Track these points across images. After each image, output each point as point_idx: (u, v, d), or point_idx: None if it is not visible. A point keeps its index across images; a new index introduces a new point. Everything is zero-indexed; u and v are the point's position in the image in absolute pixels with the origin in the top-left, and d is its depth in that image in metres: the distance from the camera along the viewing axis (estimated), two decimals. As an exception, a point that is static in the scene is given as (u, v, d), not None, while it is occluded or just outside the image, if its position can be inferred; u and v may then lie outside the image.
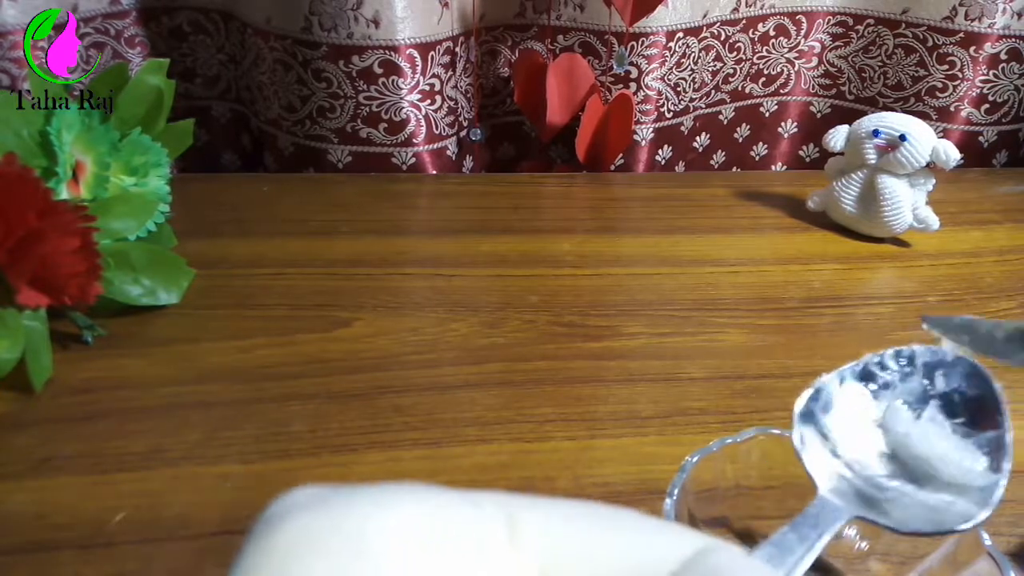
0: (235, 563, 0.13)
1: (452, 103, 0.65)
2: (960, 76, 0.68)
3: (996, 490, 0.22)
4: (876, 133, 0.53)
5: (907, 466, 0.24)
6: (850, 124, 0.55)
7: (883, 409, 0.25)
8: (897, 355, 0.25)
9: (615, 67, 0.65)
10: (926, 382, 0.25)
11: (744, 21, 0.69)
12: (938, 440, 0.24)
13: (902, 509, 0.22)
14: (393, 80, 0.60)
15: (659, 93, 0.67)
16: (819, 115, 0.76)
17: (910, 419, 0.25)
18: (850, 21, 0.71)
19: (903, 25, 0.69)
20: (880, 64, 0.71)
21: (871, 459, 0.24)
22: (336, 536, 0.13)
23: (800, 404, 0.24)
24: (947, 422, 0.24)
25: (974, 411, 0.24)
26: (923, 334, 0.26)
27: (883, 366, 0.25)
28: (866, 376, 0.25)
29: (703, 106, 0.72)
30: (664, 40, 0.64)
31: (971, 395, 0.24)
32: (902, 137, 0.52)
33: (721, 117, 0.74)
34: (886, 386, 0.25)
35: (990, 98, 0.70)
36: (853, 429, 0.25)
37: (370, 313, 0.45)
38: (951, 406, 0.24)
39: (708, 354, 0.43)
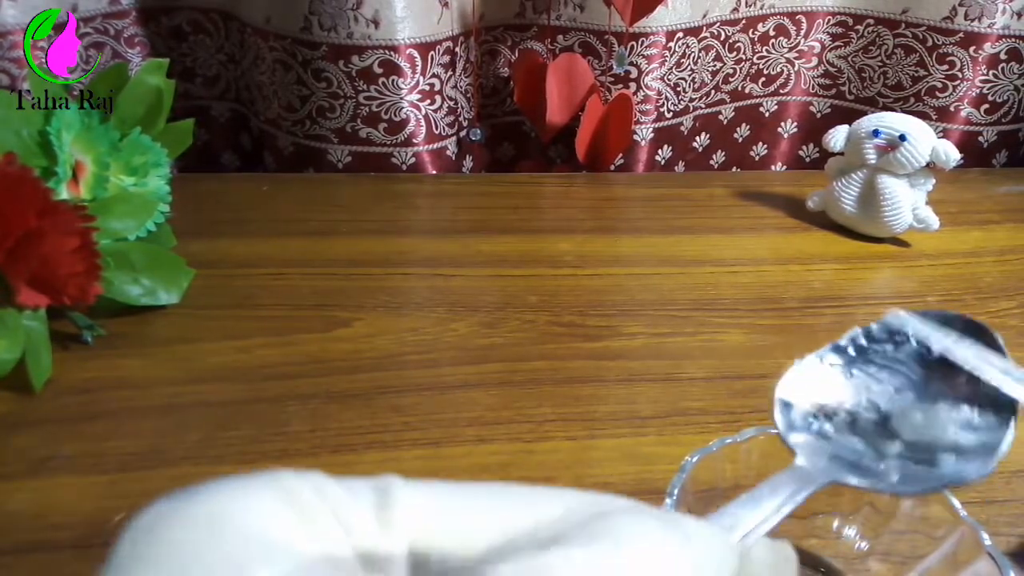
0: None
1: (452, 103, 0.65)
2: (960, 76, 0.68)
3: (1001, 444, 0.22)
4: (876, 133, 0.53)
5: (904, 435, 0.23)
6: (850, 124, 0.55)
7: (874, 380, 0.25)
8: (886, 326, 0.25)
9: (615, 67, 0.65)
10: (922, 347, 0.24)
11: (744, 21, 0.69)
12: (929, 410, 0.23)
13: (894, 472, 0.22)
14: (393, 80, 0.60)
15: (659, 93, 0.67)
16: (819, 115, 0.76)
17: (898, 391, 0.24)
18: (850, 21, 0.71)
19: (903, 25, 0.69)
20: (880, 64, 0.71)
21: (861, 429, 0.24)
22: (195, 519, 0.13)
23: (785, 379, 0.24)
24: (949, 382, 0.24)
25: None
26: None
27: (873, 337, 0.25)
28: (857, 348, 0.25)
29: (703, 106, 0.72)
30: (664, 40, 0.64)
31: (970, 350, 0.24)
32: (902, 137, 0.52)
33: (721, 117, 0.74)
34: (878, 355, 0.25)
35: (990, 98, 0.70)
36: (842, 401, 0.24)
37: (370, 313, 0.45)
38: (950, 364, 0.24)
39: (708, 354, 0.43)
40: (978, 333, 0.24)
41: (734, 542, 0.17)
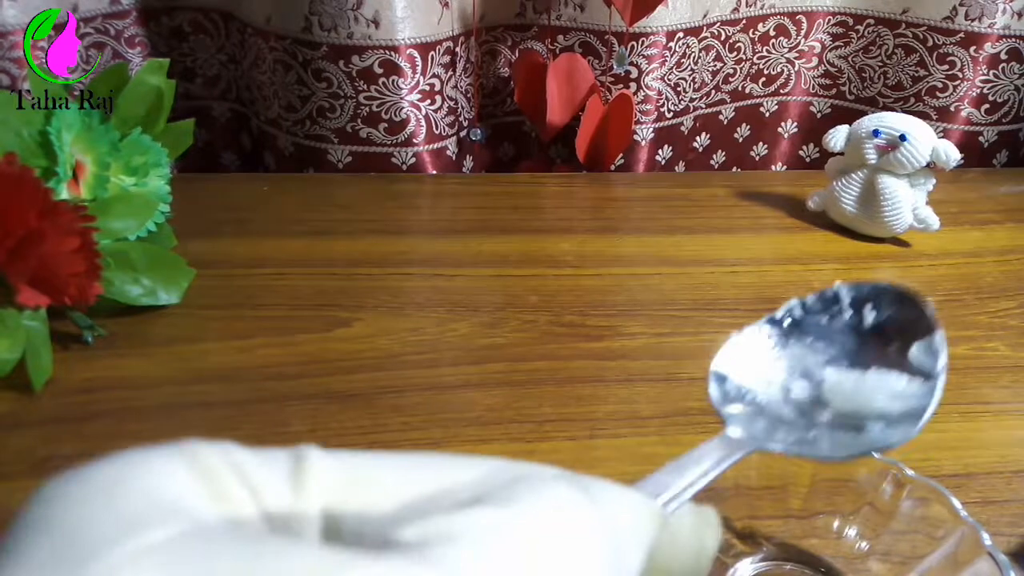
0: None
1: (452, 103, 0.65)
2: (960, 76, 0.68)
3: (926, 411, 0.22)
4: (876, 133, 0.53)
5: (834, 404, 0.24)
6: (850, 124, 0.55)
7: (808, 350, 0.25)
8: (821, 296, 0.25)
9: (615, 67, 0.65)
10: (855, 317, 0.24)
11: (744, 21, 0.69)
12: (859, 379, 0.24)
13: (823, 441, 0.22)
14: (393, 80, 0.60)
15: (659, 93, 0.67)
16: (819, 115, 0.76)
17: (830, 361, 0.24)
18: (850, 21, 0.71)
19: (903, 25, 0.69)
20: (880, 64, 0.71)
21: (794, 399, 0.24)
22: (94, 484, 0.13)
23: (721, 352, 0.25)
24: (882, 351, 0.24)
25: (907, 335, 0.24)
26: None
27: (807, 308, 0.25)
28: (793, 321, 0.25)
29: (703, 106, 0.72)
30: (664, 40, 0.64)
31: (903, 319, 0.24)
32: (902, 137, 0.52)
33: (721, 117, 0.74)
34: (813, 327, 0.25)
35: (990, 98, 0.70)
36: (776, 372, 0.25)
37: (370, 313, 0.45)
38: (883, 335, 0.24)
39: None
40: (907, 305, 0.24)
41: (656, 507, 0.17)
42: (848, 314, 0.25)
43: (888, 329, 0.24)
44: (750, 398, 0.24)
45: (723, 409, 0.23)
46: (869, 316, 0.24)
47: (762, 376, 0.24)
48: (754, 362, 0.25)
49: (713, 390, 0.24)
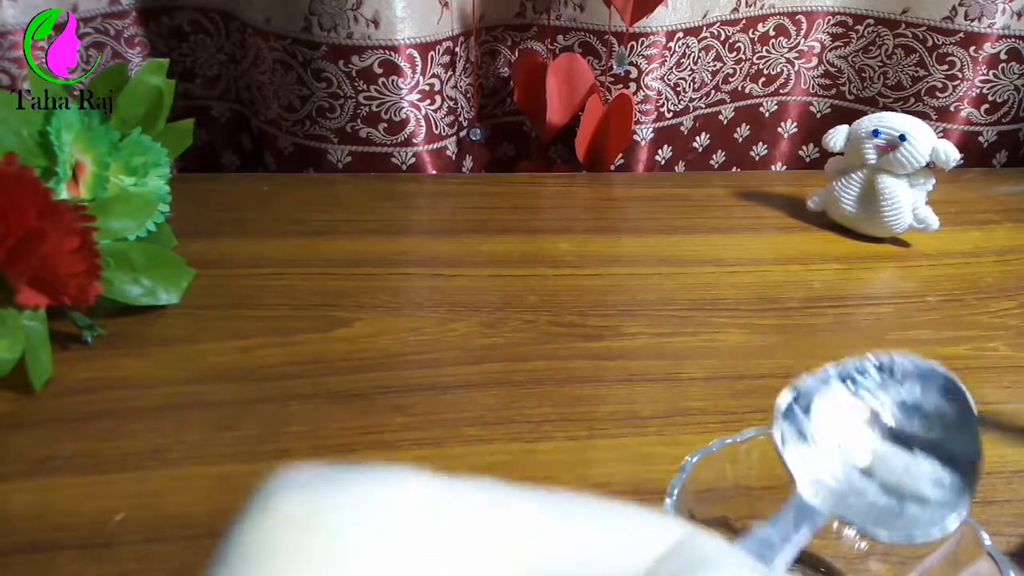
0: (227, 538, 0.13)
1: (452, 103, 0.65)
2: (960, 76, 0.68)
3: (962, 508, 0.23)
4: (876, 133, 0.53)
5: (882, 473, 0.24)
6: (850, 124, 0.55)
7: (861, 414, 0.25)
8: (877, 362, 0.25)
9: (615, 67, 0.65)
10: (903, 392, 0.25)
11: (744, 21, 0.69)
12: (908, 457, 0.24)
13: (876, 513, 0.23)
14: (393, 80, 0.60)
15: (659, 93, 0.67)
16: (819, 115, 0.76)
17: (884, 431, 0.25)
18: (850, 21, 0.71)
19: (903, 25, 0.69)
20: (880, 64, 0.71)
21: (848, 461, 0.24)
22: (333, 514, 0.13)
23: (782, 402, 0.24)
24: (922, 432, 0.24)
25: (948, 424, 0.24)
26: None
27: (863, 371, 0.25)
28: (847, 379, 0.25)
29: (703, 106, 0.72)
30: (664, 40, 0.64)
31: (945, 408, 0.24)
32: (902, 137, 0.52)
33: (721, 117, 0.74)
34: (865, 391, 0.25)
35: (990, 98, 0.70)
36: (832, 431, 0.25)
37: (370, 313, 0.45)
38: (925, 417, 0.25)
39: (708, 354, 0.43)
40: (952, 395, 0.24)
41: None
42: (898, 386, 0.25)
43: (932, 414, 0.24)
44: (809, 447, 0.24)
45: (786, 456, 0.24)
46: (916, 394, 0.25)
47: (821, 431, 0.25)
48: (814, 415, 0.25)
49: (777, 437, 0.24)
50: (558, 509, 0.15)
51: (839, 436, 0.25)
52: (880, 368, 0.25)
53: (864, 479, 0.24)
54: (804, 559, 0.29)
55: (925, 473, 0.24)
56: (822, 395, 0.25)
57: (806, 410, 0.25)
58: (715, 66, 0.70)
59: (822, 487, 0.23)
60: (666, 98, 0.68)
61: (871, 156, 0.54)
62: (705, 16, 0.66)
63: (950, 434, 0.24)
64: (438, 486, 0.14)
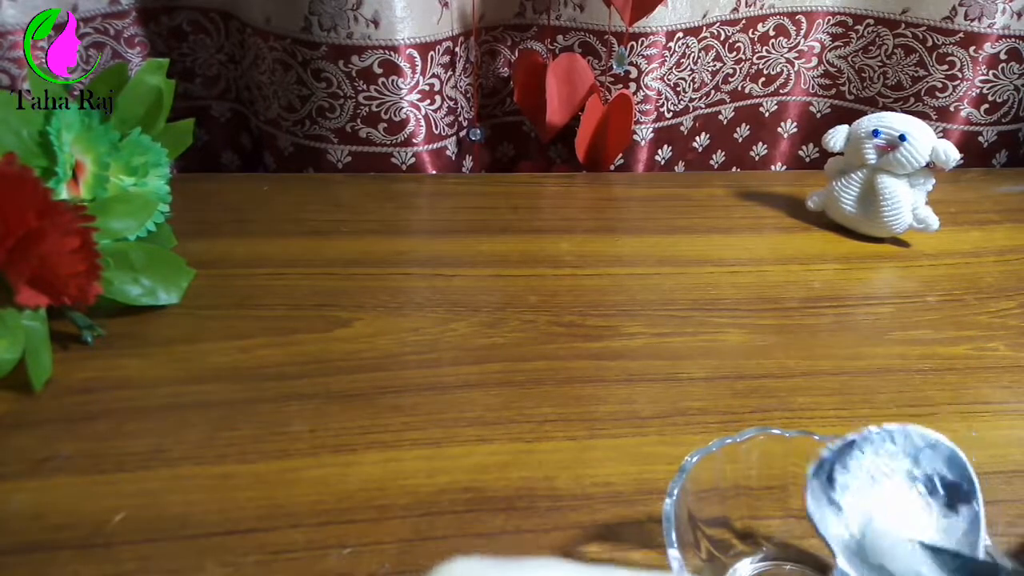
0: None
1: (452, 103, 0.65)
2: (960, 76, 0.68)
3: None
4: (876, 133, 0.53)
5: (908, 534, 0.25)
6: (850, 124, 0.55)
7: (880, 483, 0.26)
8: (891, 433, 0.26)
9: (615, 67, 0.65)
10: (910, 461, 0.26)
11: (744, 21, 0.69)
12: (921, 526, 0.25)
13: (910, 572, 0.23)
14: (393, 80, 0.60)
15: (659, 93, 0.67)
16: (819, 115, 0.76)
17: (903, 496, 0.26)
18: (850, 21, 0.71)
19: (903, 25, 0.69)
20: (880, 64, 0.71)
21: (874, 530, 0.25)
22: None
23: (810, 470, 0.25)
24: (928, 501, 0.25)
25: (951, 492, 0.25)
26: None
27: (872, 440, 0.26)
28: (864, 449, 0.26)
29: (703, 106, 0.72)
30: (664, 40, 0.64)
31: (949, 479, 0.25)
32: (902, 137, 0.52)
33: (721, 117, 0.74)
34: (881, 460, 0.26)
35: (990, 98, 0.70)
36: (856, 499, 0.25)
37: (370, 313, 0.45)
38: (932, 486, 0.26)
39: (708, 354, 0.43)
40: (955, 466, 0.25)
41: None
42: (906, 456, 0.26)
43: (938, 482, 0.26)
44: (845, 522, 0.25)
45: (823, 530, 0.24)
46: (924, 463, 0.26)
47: (848, 500, 0.25)
48: (840, 484, 0.25)
49: (812, 509, 0.25)
50: None
51: (863, 504, 0.25)
52: (892, 439, 0.26)
53: (893, 542, 0.25)
54: (804, 559, 0.29)
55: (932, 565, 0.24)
56: (847, 462, 0.26)
57: (830, 478, 0.25)
58: (715, 66, 0.70)
59: (853, 556, 0.24)
60: (666, 98, 0.68)
61: (871, 156, 0.54)
62: (705, 16, 0.66)
63: (953, 499, 0.25)
64: None
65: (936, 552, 0.24)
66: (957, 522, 0.25)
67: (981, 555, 0.24)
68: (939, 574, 0.24)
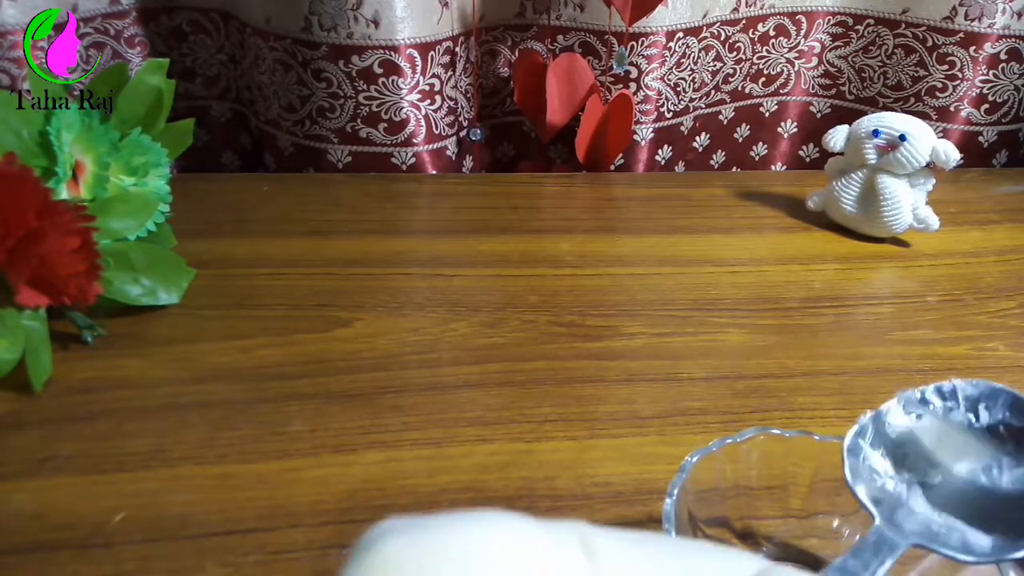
0: None
1: (452, 103, 0.65)
2: (960, 76, 0.68)
3: None
4: (876, 133, 0.53)
5: (958, 498, 0.24)
6: (850, 124, 0.55)
7: (929, 442, 0.25)
8: (939, 389, 0.25)
9: (615, 67, 0.65)
10: (970, 415, 0.25)
11: (744, 21, 0.69)
12: (988, 469, 0.24)
13: (960, 538, 0.23)
14: (393, 80, 0.60)
15: (659, 93, 0.67)
16: (819, 115, 0.76)
17: (960, 453, 0.25)
18: (850, 21, 0.71)
19: (903, 25, 0.69)
20: (880, 64, 0.71)
21: (921, 490, 0.25)
22: (443, 558, 0.14)
23: (848, 439, 0.25)
24: (995, 453, 0.24)
25: (1020, 440, 0.24)
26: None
27: (924, 400, 0.26)
28: (909, 410, 0.26)
29: (703, 106, 0.72)
30: (664, 40, 0.64)
31: (1017, 425, 0.24)
32: (902, 137, 0.52)
33: (721, 117, 0.74)
34: (931, 419, 0.26)
35: (990, 98, 0.70)
36: (900, 462, 0.25)
37: (370, 313, 0.45)
38: (997, 437, 0.25)
39: (708, 354, 0.43)
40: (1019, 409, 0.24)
41: None
42: (963, 411, 0.25)
43: (1005, 432, 0.25)
44: (881, 483, 0.25)
45: (858, 491, 0.24)
46: (984, 416, 0.25)
47: (889, 464, 0.25)
48: (880, 448, 0.25)
49: (848, 474, 0.24)
50: (636, 545, 0.15)
51: (910, 466, 0.25)
52: (942, 395, 0.25)
53: (940, 506, 0.24)
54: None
55: (1003, 491, 0.23)
56: (886, 428, 0.25)
57: (873, 444, 0.25)
58: (715, 66, 0.70)
59: (897, 516, 0.23)
60: (666, 98, 0.68)
61: (871, 156, 0.54)
62: (705, 16, 0.66)
63: (1021, 443, 0.24)
64: (530, 528, 0.15)
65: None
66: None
67: None
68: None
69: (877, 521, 0.23)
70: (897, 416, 0.25)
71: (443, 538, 0.14)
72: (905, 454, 0.25)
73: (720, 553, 0.16)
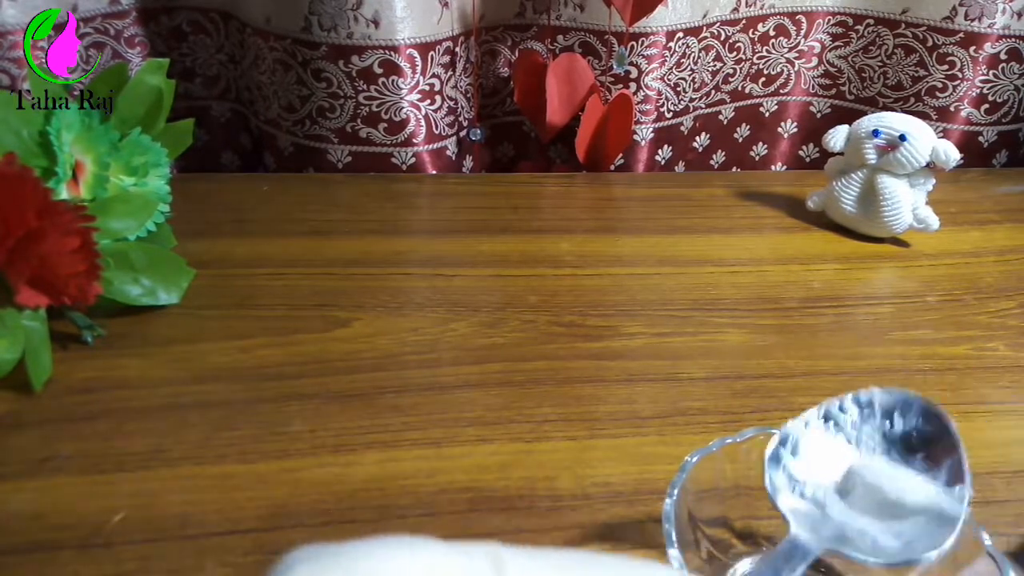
0: None
1: (452, 103, 0.65)
2: (960, 76, 0.68)
3: (960, 514, 0.24)
4: (876, 133, 0.53)
5: (872, 503, 0.25)
6: (850, 124, 0.55)
7: (846, 450, 0.26)
8: (856, 398, 0.27)
9: (615, 67, 0.65)
10: (886, 422, 0.26)
11: (744, 21, 0.69)
12: (901, 475, 0.25)
13: (871, 542, 0.24)
14: (393, 80, 0.60)
15: (659, 93, 0.67)
16: (819, 115, 0.76)
17: (874, 460, 0.26)
18: (850, 21, 0.71)
19: (903, 25, 0.69)
20: (880, 64, 0.71)
21: (837, 496, 0.26)
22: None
23: (769, 449, 0.26)
24: (907, 459, 0.26)
25: (931, 447, 0.26)
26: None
27: (843, 409, 0.27)
28: (828, 419, 0.27)
29: (703, 106, 0.72)
30: (664, 40, 0.64)
31: (927, 432, 0.26)
32: (902, 137, 0.52)
33: (721, 117, 0.74)
34: (848, 428, 0.27)
35: (990, 98, 0.70)
36: (819, 470, 0.26)
37: (370, 313, 0.45)
38: (909, 444, 0.26)
39: (708, 354, 0.43)
40: (932, 420, 0.26)
41: None
42: (879, 419, 0.26)
43: (917, 440, 0.26)
44: (800, 491, 0.26)
45: (779, 500, 0.25)
46: (898, 423, 0.26)
47: (809, 472, 0.26)
48: (801, 457, 0.26)
49: (768, 484, 0.25)
50: (551, 566, 0.15)
51: (828, 474, 0.26)
52: (859, 404, 0.27)
53: (855, 511, 0.25)
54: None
55: (917, 495, 0.25)
56: (807, 437, 0.26)
57: (794, 453, 0.26)
58: (715, 66, 0.70)
59: (814, 525, 0.24)
60: (666, 98, 0.68)
61: (871, 156, 0.54)
62: (705, 16, 0.66)
63: (934, 454, 0.25)
64: (443, 553, 0.15)
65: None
66: (940, 475, 0.25)
67: (966, 506, 0.24)
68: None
69: (792, 529, 0.24)
70: (817, 424, 0.26)
71: (355, 565, 0.14)
72: (824, 461, 0.26)
73: (629, 567, 0.16)
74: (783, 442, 0.26)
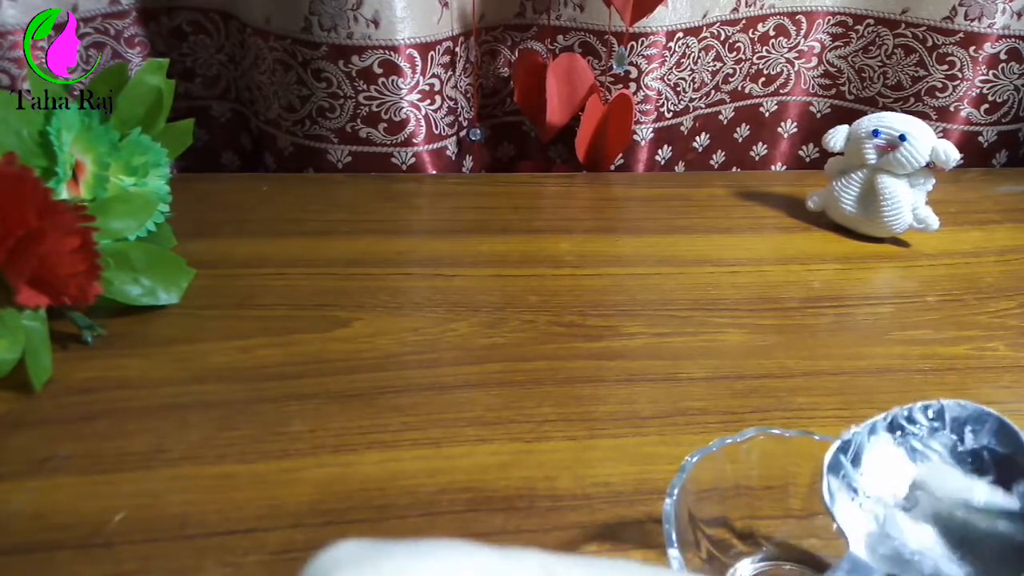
0: None
1: (452, 103, 0.65)
2: (960, 76, 0.68)
3: None
4: (876, 133, 0.53)
5: (937, 523, 0.23)
6: (850, 124, 0.55)
7: (911, 463, 0.24)
8: (925, 409, 0.25)
9: (615, 67, 0.65)
10: (955, 437, 0.24)
11: (744, 21, 0.69)
12: (974, 494, 0.23)
13: (932, 567, 0.22)
14: (393, 80, 0.60)
15: (659, 93, 0.67)
16: (819, 115, 0.76)
17: (943, 475, 0.24)
18: (850, 21, 0.71)
19: (903, 25, 0.69)
20: (880, 64, 0.71)
21: (900, 515, 0.24)
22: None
23: (828, 455, 0.24)
24: (977, 480, 0.24)
25: (1003, 468, 0.23)
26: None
27: (911, 419, 0.25)
28: (894, 429, 0.25)
29: (703, 106, 0.72)
30: (664, 40, 0.64)
31: (1001, 452, 0.24)
32: (902, 137, 0.52)
33: (721, 117, 0.74)
34: (915, 439, 0.25)
35: (990, 98, 0.70)
36: (881, 481, 0.24)
37: (370, 313, 0.45)
38: (979, 464, 0.24)
39: (708, 354, 0.43)
40: (1008, 437, 0.24)
41: None
42: (948, 431, 0.25)
43: (988, 458, 0.24)
44: (859, 504, 0.24)
45: (835, 510, 0.23)
46: (968, 440, 0.24)
47: (871, 484, 0.24)
48: (863, 467, 0.24)
49: (826, 493, 0.23)
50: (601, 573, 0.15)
51: (892, 488, 0.24)
52: (928, 414, 0.25)
53: (918, 529, 0.23)
54: (804, 559, 0.29)
55: (989, 520, 0.23)
56: (870, 446, 0.24)
57: (855, 462, 0.24)
58: (715, 66, 0.70)
59: (873, 544, 0.22)
60: (666, 98, 0.68)
61: (871, 156, 0.54)
62: (705, 16, 0.66)
63: (1005, 476, 0.23)
64: (491, 558, 0.14)
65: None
66: (1012, 501, 0.23)
67: None
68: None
69: (851, 547, 0.22)
70: (882, 433, 0.25)
71: (405, 566, 0.13)
72: (886, 474, 0.24)
73: None
74: (843, 448, 0.24)
